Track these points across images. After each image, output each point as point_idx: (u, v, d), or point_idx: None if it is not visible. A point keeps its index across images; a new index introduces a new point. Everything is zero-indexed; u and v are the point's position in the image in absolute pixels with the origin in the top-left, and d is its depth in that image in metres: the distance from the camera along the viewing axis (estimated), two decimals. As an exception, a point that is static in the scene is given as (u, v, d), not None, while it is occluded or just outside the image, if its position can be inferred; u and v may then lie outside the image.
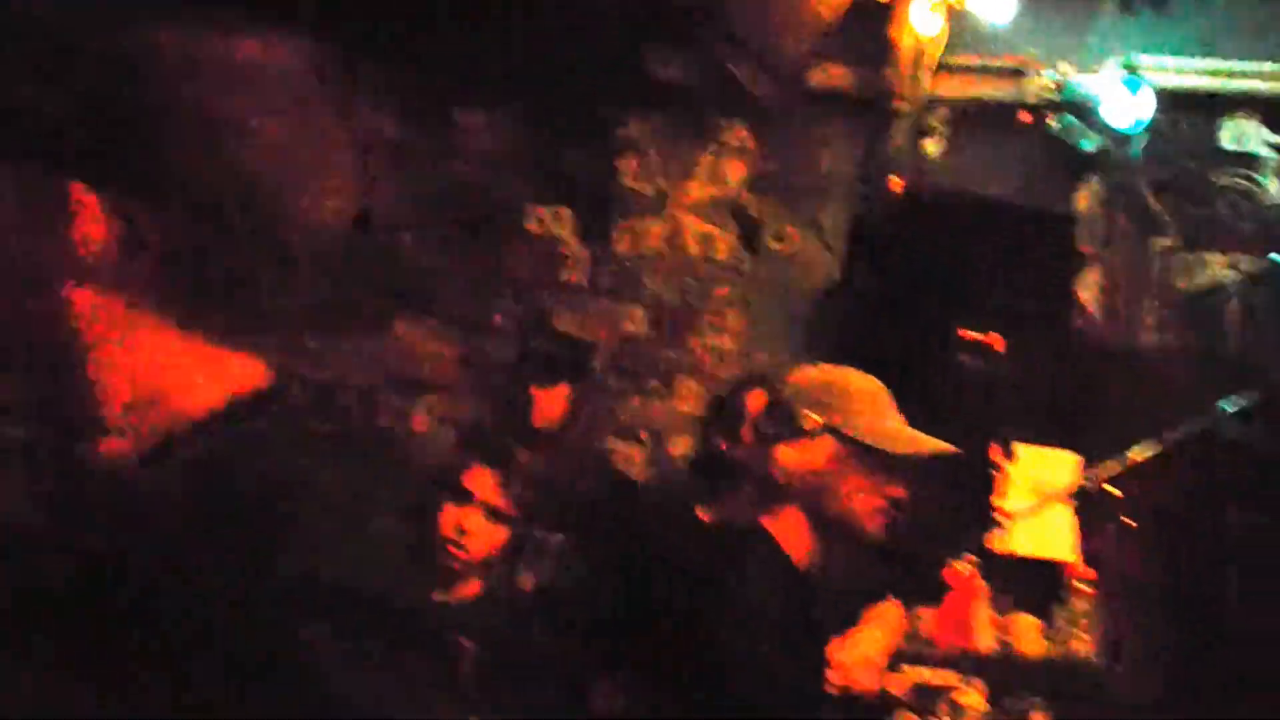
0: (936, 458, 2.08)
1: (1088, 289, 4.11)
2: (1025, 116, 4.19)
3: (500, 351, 4.21)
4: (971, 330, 3.42)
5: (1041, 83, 4.18)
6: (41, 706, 0.87)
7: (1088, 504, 2.73)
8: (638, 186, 4.39)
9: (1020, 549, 3.39)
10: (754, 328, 4.31)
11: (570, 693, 2.66)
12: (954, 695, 3.17)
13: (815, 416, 2.09)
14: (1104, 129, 4.10)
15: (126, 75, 0.91)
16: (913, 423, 2.15)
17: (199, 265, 0.93)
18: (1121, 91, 4.02)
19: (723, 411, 2.95)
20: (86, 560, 0.88)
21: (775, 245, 4.36)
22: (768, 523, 2.15)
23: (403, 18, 3.85)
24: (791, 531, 2.14)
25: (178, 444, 0.94)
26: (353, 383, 4.12)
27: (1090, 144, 4.17)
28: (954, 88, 4.21)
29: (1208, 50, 4.23)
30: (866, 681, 2.58)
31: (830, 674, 2.36)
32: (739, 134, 4.35)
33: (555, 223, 4.40)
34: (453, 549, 2.59)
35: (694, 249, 4.36)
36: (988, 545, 3.15)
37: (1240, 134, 4.28)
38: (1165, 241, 4.19)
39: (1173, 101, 4.14)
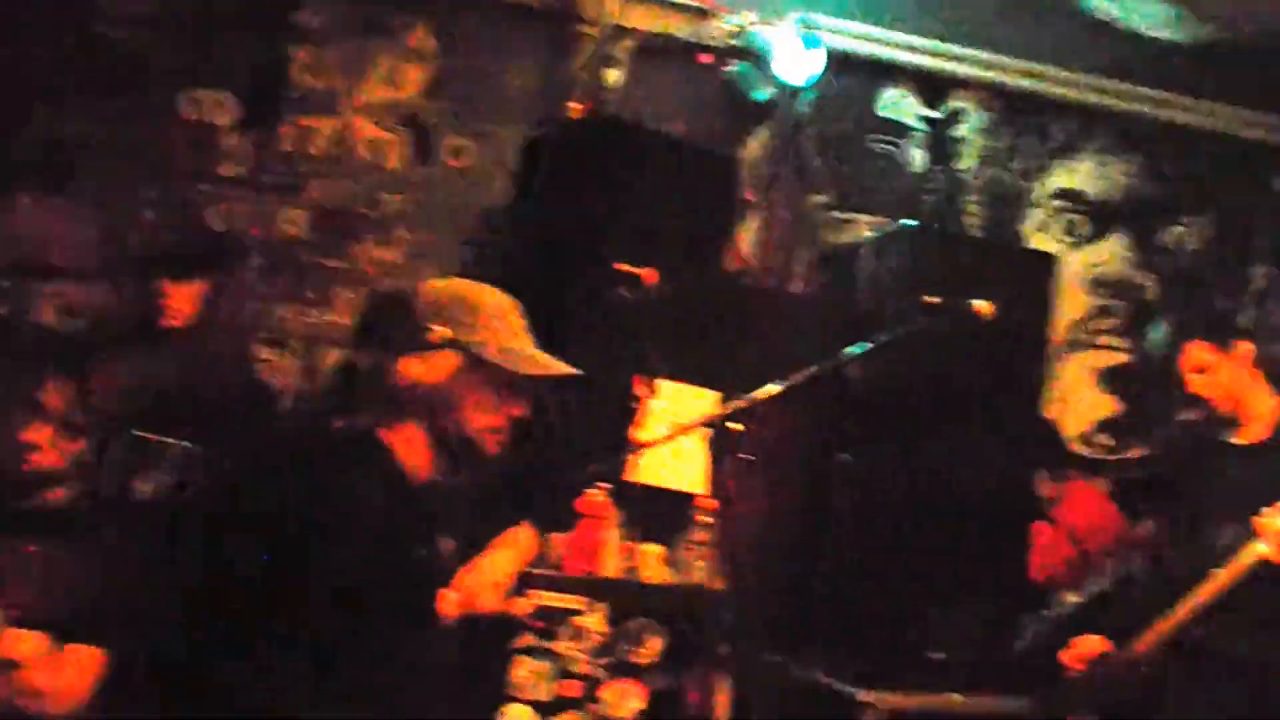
0: (563, 381, 2.07)
1: (746, 234, 4.26)
2: (705, 58, 4.27)
3: (141, 241, 3.89)
4: (628, 263, 3.46)
5: (724, 27, 4.26)
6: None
7: (719, 438, 2.81)
8: (310, 80, 4.14)
9: (653, 479, 3.50)
10: (421, 242, 4.19)
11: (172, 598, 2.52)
12: (576, 619, 3.25)
13: (441, 329, 2.04)
14: (777, 81, 4.24)
15: None
16: (562, 350, 2.14)
17: None
18: (797, 46, 4.16)
19: (364, 321, 2.86)
20: None
21: (449, 159, 4.24)
22: (386, 434, 2.08)
23: None
24: (409, 445, 2.08)
25: None
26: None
27: (763, 94, 4.30)
28: (640, 19, 4.22)
29: (878, 19, 4.45)
30: (489, 604, 2.59)
31: (451, 595, 2.33)
32: (421, 36, 4.18)
33: (215, 109, 4.08)
34: (29, 457, 2.41)
35: (364, 153, 4.17)
36: (623, 474, 3.23)
37: (895, 104, 4.55)
38: (821, 198, 4.40)
39: (841, 64, 4.33)
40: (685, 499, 3.49)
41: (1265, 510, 2.78)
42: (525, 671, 3.17)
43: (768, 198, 4.30)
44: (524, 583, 2.79)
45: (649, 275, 3.45)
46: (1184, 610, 2.89)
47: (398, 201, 4.18)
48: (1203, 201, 4.92)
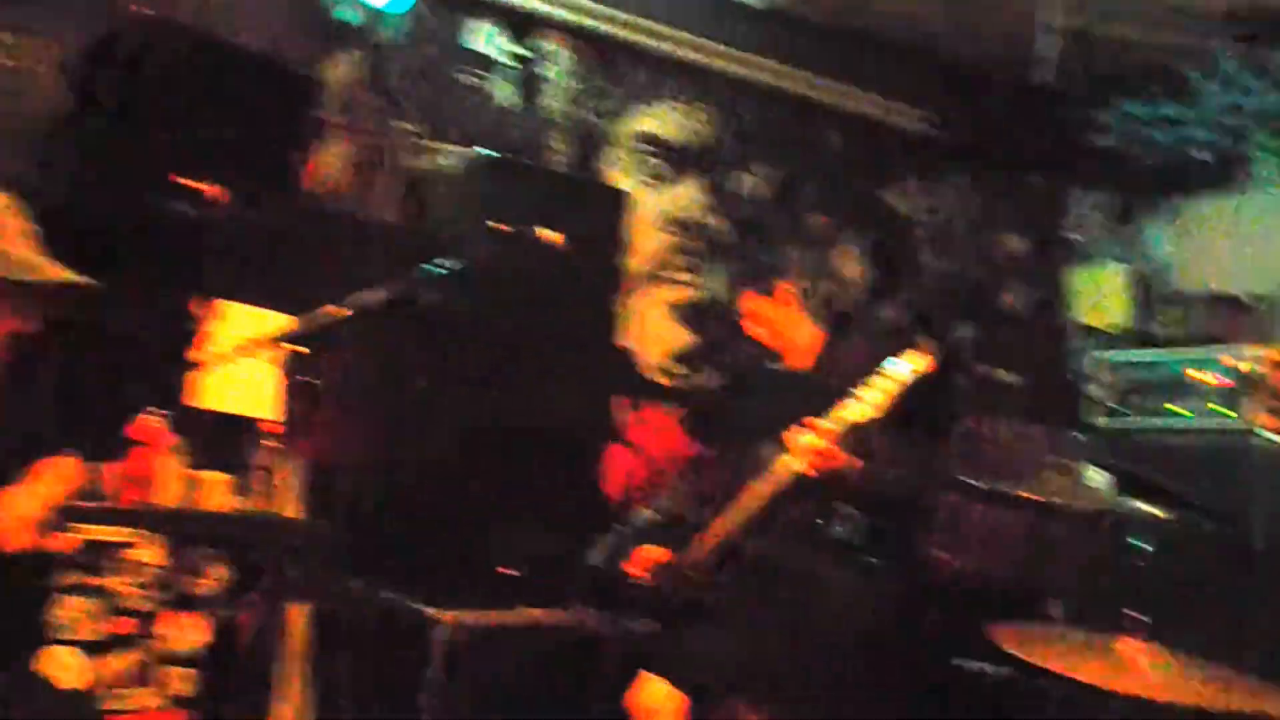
0: (64, 288, 1.92)
1: (326, 157, 4.14)
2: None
3: None
4: (193, 179, 3.26)
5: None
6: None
7: (289, 362, 2.73)
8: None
9: (217, 404, 3.35)
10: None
11: None
12: (129, 552, 3.06)
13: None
14: (363, 4, 4.14)
15: None
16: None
17: None
18: (384, -30, 4.07)
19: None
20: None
21: (3, 59, 3.81)
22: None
23: None
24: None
25: None
26: None
27: (349, 16, 4.18)
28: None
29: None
30: (22, 540, 2.40)
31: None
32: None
33: None
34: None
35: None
36: (180, 398, 3.06)
37: (484, 36, 4.57)
38: (405, 125, 4.35)
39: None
40: (252, 424, 3.37)
41: (794, 427, 3.00)
42: (69, 610, 2.96)
43: (350, 121, 4.20)
44: (67, 516, 2.60)
45: (213, 191, 3.27)
46: (728, 521, 3.08)
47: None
48: (769, 153, 5.33)
